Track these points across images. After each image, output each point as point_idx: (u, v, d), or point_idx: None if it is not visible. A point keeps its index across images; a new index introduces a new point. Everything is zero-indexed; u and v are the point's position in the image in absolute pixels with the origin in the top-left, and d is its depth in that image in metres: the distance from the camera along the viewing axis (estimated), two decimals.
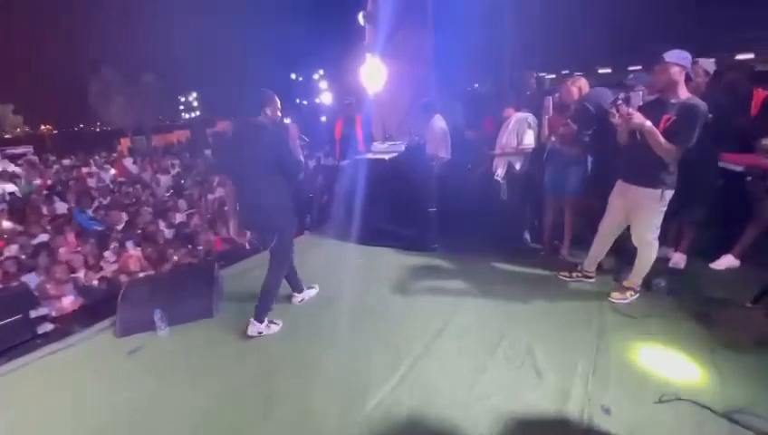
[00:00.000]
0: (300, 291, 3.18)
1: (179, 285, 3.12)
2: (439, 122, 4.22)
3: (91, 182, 11.13)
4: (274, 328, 2.80)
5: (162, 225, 5.98)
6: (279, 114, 2.73)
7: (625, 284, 2.88)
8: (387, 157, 4.11)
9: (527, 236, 3.97)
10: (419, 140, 4.26)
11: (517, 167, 3.59)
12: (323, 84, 18.81)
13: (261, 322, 2.73)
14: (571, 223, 3.53)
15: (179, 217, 6.15)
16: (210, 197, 7.79)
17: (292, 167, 2.64)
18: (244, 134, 2.64)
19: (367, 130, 5.13)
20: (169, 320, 2.90)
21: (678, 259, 3.24)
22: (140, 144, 24.18)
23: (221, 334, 2.84)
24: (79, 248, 4.74)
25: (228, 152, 2.72)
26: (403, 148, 4.40)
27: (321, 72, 19.16)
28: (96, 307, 3.55)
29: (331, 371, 2.39)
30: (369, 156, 4.24)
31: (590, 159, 3.24)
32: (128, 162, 13.41)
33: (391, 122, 6.32)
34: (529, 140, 3.48)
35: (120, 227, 6.06)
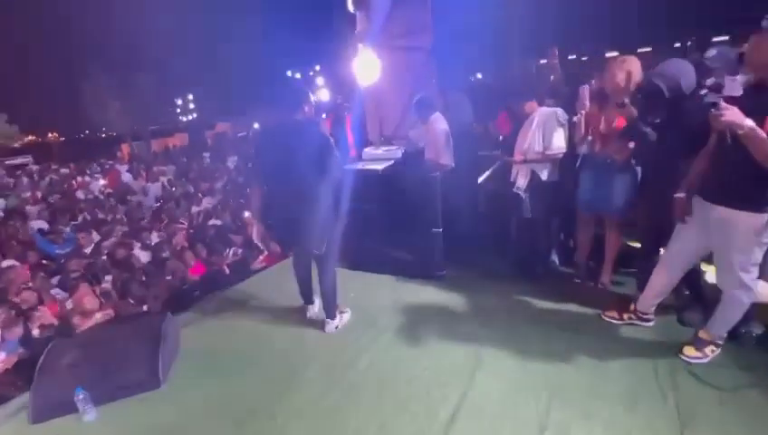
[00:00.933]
0: (312, 302, 2.99)
1: (116, 348, 2.44)
2: (439, 123, 3.48)
3: (81, 194, 10.58)
4: (346, 316, 2.88)
5: (138, 247, 5.34)
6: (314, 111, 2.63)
7: (701, 335, 2.13)
8: (380, 167, 3.38)
9: (555, 257, 3.23)
10: (406, 147, 3.54)
11: (543, 176, 2.85)
12: (320, 80, 18.07)
13: (333, 318, 2.78)
14: (615, 246, 2.79)
15: (156, 238, 5.48)
16: (194, 209, 7.14)
17: (336, 167, 2.48)
18: (285, 134, 2.49)
19: (360, 131, 4.41)
20: (102, 397, 2.23)
21: None
22: (142, 149, 23.65)
23: (172, 413, 2.17)
24: (30, 283, 4.11)
25: (268, 155, 2.54)
26: (400, 154, 3.68)
27: (318, 67, 18.43)
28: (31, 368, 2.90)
29: None
30: (360, 166, 3.52)
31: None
32: (122, 170, 12.83)
33: (389, 122, 5.65)
34: (559, 142, 2.73)
35: (89, 250, 5.44)
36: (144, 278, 4.45)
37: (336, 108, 4.34)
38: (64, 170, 14.54)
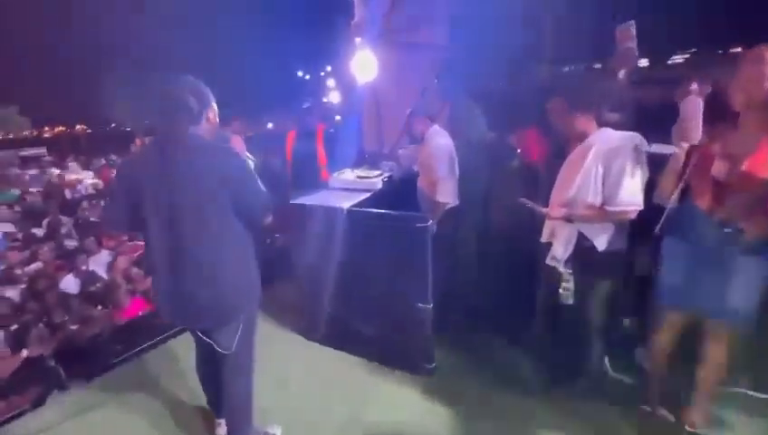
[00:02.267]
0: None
1: None
2: (437, 138, 2.39)
3: (68, 193, 9.86)
4: None
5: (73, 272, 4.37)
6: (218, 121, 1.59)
7: None
8: (346, 204, 2.29)
9: (607, 365, 2.07)
10: (395, 171, 2.47)
11: (599, 244, 1.70)
12: (331, 82, 17.16)
13: None
14: (718, 368, 1.63)
15: (93, 263, 4.51)
16: None
17: (258, 205, 1.53)
18: (165, 161, 1.42)
19: (356, 144, 3.33)
20: None
21: None
22: None
23: None
24: None
25: (136, 193, 1.44)
26: (380, 183, 2.59)
27: (329, 68, 17.54)
28: None
29: None
30: (316, 201, 2.42)
31: None
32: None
33: (389, 133, 4.67)
34: (633, 192, 1.58)
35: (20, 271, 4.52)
36: (58, 320, 3.50)
37: (302, 116, 3.23)
38: (73, 164, 13.96)
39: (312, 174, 3.12)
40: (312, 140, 3.17)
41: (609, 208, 1.60)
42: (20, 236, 5.38)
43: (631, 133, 1.56)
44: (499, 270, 2.32)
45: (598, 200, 1.62)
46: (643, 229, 1.67)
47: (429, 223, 2.01)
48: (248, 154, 1.65)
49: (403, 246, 2.11)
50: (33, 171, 11.61)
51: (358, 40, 4.52)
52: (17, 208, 6.94)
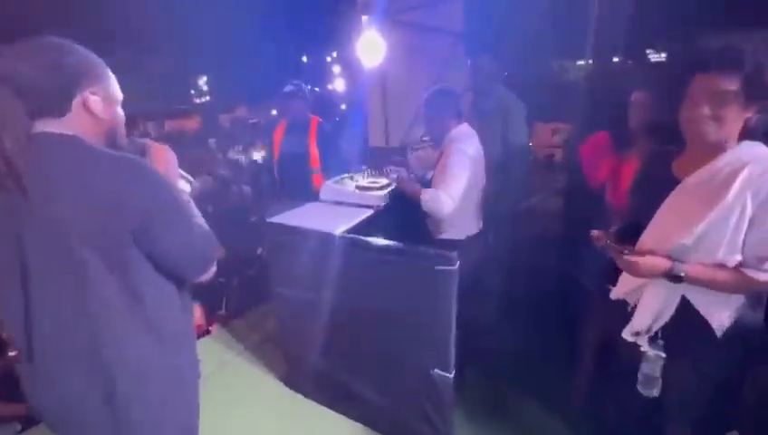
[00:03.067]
0: None
1: None
2: (461, 143, 1.78)
3: None
4: None
5: None
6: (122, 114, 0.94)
7: None
8: (338, 229, 1.70)
9: None
10: (401, 175, 1.90)
11: (716, 321, 1.09)
12: (336, 69, 16.35)
13: None
14: None
15: None
16: None
17: (192, 258, 0.94)
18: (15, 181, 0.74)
19: (332, 143, 2.71)
20: None
21: None
22: (155, 130, 22.59)
23: None
24: None
25: None
26: (383, 200, 1.99)
27: (335, 53, 16.68)
28: None
29: None
30: (300, 220, 1.82)
31: None
32: None
33: (397, 124, 4.15)
34: None
35: None
36: None
37: (288, 101, 2.54)
38: None
39: (302, 179, 2.53)
40: (302, 135, 2.55)
41: (751, 274, 1.00)
42: None
43: None
44: (538, 326, 1.73)
45: (734, 257, 1.02)
46: None
47: (455, 266, 1.42)
48: (182, 172, 1.05)
49: (417, 292, 1.53)
50: None
51: (365, 18, 3.93)
52: None
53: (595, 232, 1.24)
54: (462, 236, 1.86)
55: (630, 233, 1.20)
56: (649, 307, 1.19)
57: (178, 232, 0.88)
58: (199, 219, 0.98)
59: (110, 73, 0.93)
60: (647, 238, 1.16)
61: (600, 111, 1.76)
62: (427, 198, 1.74)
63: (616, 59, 2.20)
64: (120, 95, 0.95)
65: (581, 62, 2.39)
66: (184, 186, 1.08)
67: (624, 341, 1.26)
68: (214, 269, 1.01)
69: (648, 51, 1.89)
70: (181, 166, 1.06)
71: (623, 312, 1.29)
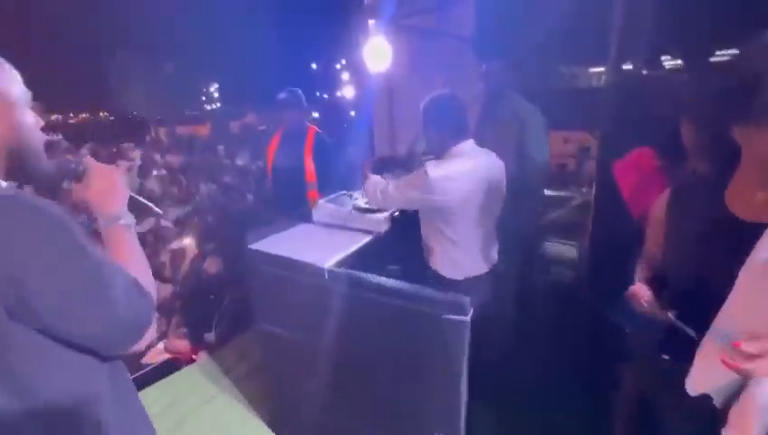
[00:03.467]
0: None
1: None
2: (462, 161, 1.49)
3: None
4: None
5: None
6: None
7: None
8: (327, 262, 1.44)
9: None
10: (366, 160, 1.65)
11: None
12: (345, 75, 16.27)
13: None
14: None
15: None
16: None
17: (105, 330, 0.64)
18: None
19: (331, 156, 2.45)
20: None
21: None
22: (167, 136, 22.74)
23: None
24: None
25: None
26: (385, 225, 1.72)
27: (344, 61, 16.62)
28: None
29: None
30: (285, 248, 1.56)
31: None
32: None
33: (403, 134, 3.93)
34: None
35: None
36: None
37: (281, 109, 2.28)
38: (84, 151, 13.40)
39: (297, 194, 2.28)
40: (297, 146, 2.31)
41: None
42: None
43: None
44: (561, 391, 1.44)
45: None
46: None
47: (467, 316, 1.14)
48: (140, 199, 0.80)
49: (419, 343, 1.25)
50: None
51: (371, 22, 3.73)
52: None
53: (637, 289, 0.95)
54: (459, 277, 1.54)
55: (673, 284, 0.93)
56: (748, 412, 0.86)
57: (82, 305, 0.62)
58: (130, 271, 0.71)
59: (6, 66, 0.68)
60: (732, 311, 0.84)
61: (635, 122, 1.48)
62: (370, 182, 1.61)
63: (665, 59, 1.90)
64: (19, 93, 0.70)
65: (596, 69, 2.11)
66: (128, 219, 0.83)
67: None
68: (150, 337, 0.75)
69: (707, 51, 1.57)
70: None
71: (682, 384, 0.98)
